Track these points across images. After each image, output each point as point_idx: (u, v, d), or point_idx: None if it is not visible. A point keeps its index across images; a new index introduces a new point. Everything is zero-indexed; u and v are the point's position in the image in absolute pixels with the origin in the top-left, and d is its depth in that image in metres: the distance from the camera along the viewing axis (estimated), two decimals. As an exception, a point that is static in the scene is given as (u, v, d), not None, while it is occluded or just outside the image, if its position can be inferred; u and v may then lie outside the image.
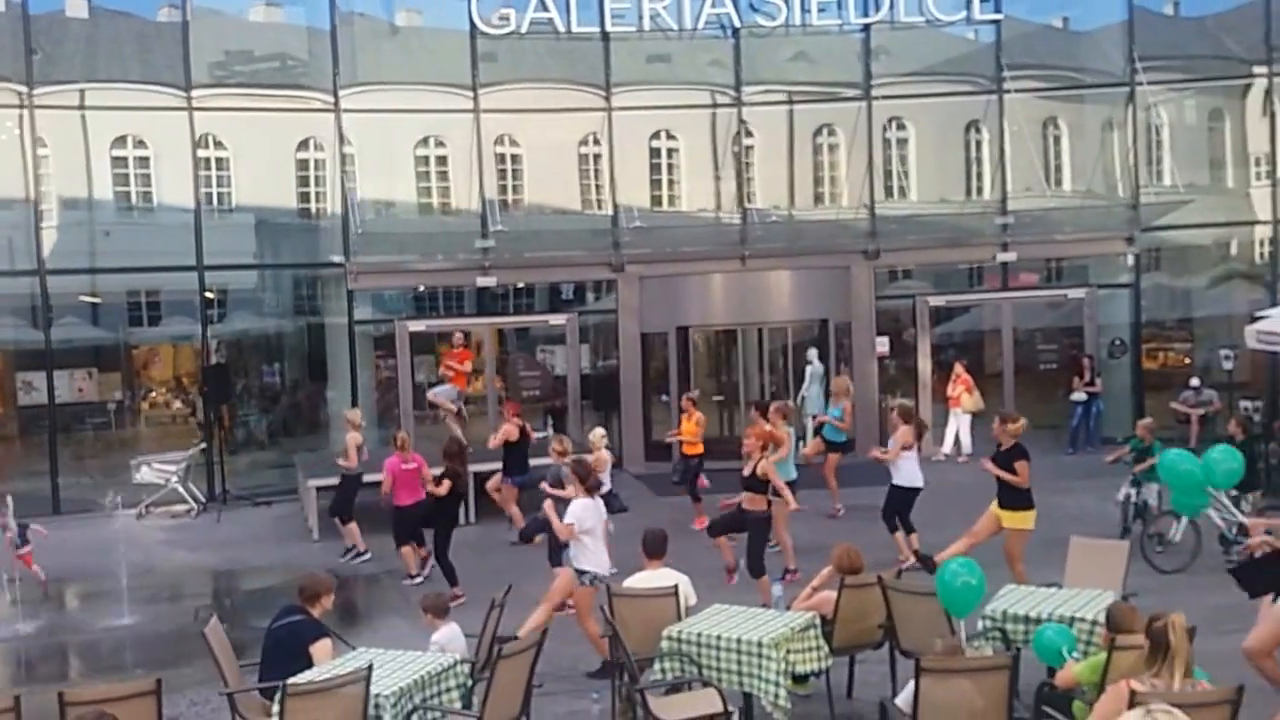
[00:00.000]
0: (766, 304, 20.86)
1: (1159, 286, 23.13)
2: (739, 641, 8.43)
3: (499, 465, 15.79)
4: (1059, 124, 23.19)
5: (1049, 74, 23.12)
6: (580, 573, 10.28)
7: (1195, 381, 19.73)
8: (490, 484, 15.82)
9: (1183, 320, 23.79)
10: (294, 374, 23.20)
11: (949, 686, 7.28)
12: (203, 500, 18.82)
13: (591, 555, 10.26)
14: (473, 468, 15.01)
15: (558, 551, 12.05)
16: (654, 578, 9.51)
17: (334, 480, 15.61)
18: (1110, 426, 21.05)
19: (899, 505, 13.26)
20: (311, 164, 21.64)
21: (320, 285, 22.38)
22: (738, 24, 20.92)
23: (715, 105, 22.04)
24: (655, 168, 22.33)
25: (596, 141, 21.85)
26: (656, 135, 22.26)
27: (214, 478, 19.36)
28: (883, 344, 20.92)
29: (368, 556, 14.77)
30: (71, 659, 12.60)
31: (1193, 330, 23.70)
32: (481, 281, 20.42)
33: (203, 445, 19.52)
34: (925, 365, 21.08)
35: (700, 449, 16.30)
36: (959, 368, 20.39)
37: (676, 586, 9.34)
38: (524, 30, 20.62)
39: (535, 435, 16.50)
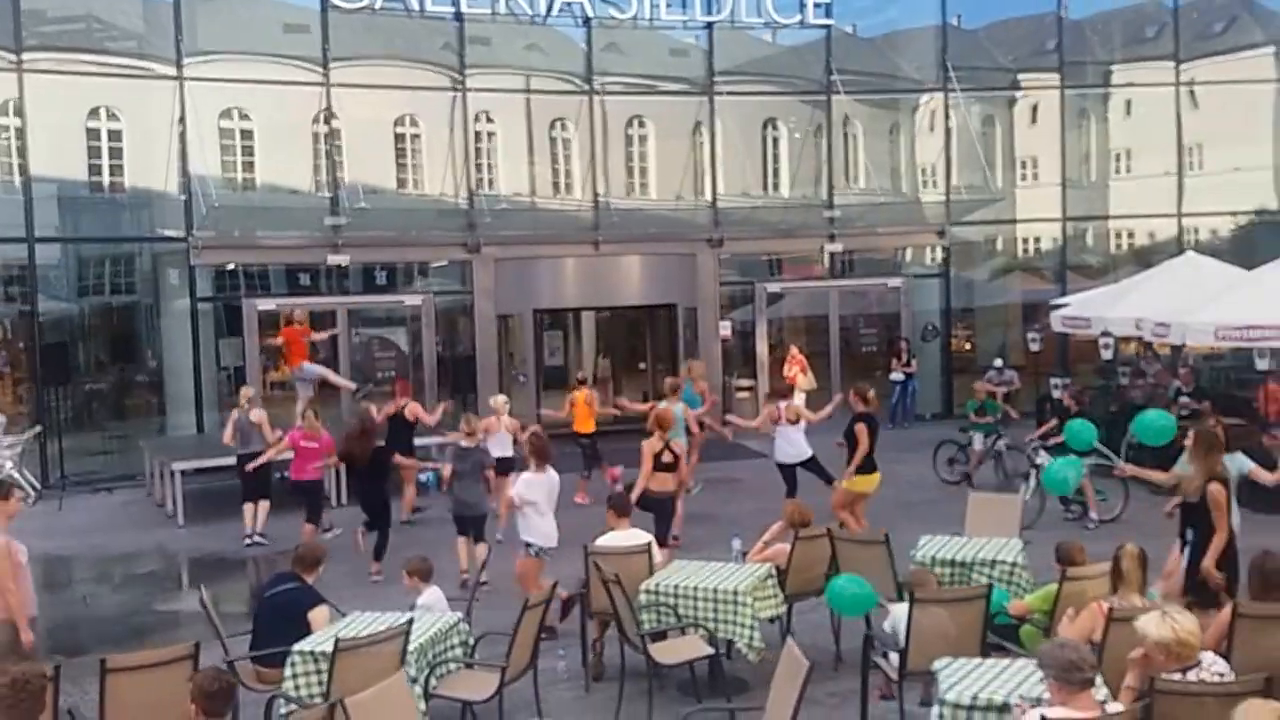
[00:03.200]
0: (619, 288, 21.47)
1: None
2: (715, 591, 9.06)
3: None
4: (854, 124, 24.60)
5: (854, 79, 24.50)
6: (526, 544, 10.66)
7: (998, 362, 20.90)
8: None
9: (966, 309, 25.66)
10: (116, 355, 21.84)
11: (933, 614, 8.07)
12: (38, 486, 17.75)
13: (537, 528, 10.64)
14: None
15: (473, 524, 12.21)
16: (625, 537, 10.00)
17: (203, 464, 15.93)
18: (923, 404, 22.86)
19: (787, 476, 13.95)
20: (104, 133, 20.49)
21: (141, 261, 21.38)
22: (591, 14, 21.38)
23: (529, 91, 22.47)
24: (478, 151, 22.32)
25: (413, 123, 21.82)
26: (477, 118, 22.05)
27: (48, 463, 18.36)
28: (725, 327, 21.84)
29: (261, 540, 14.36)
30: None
31: (974, 319, 25.80)
32: (333, 259, 20.19)
33: (38, 429, 18.36)
34: (763, 347, 22.11)
35: (591, 427, 16.50)
36: (795, 349, 21.41)
37: (650, 544, 9.93)
38: (377, 7, 20.44)
39: (429, 418, 16.39)
